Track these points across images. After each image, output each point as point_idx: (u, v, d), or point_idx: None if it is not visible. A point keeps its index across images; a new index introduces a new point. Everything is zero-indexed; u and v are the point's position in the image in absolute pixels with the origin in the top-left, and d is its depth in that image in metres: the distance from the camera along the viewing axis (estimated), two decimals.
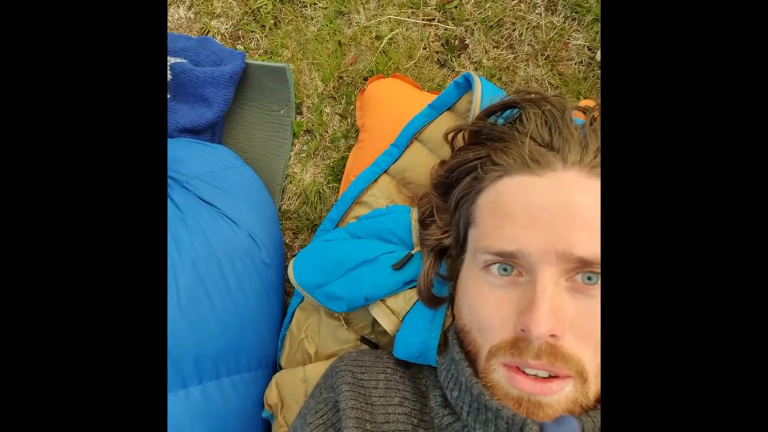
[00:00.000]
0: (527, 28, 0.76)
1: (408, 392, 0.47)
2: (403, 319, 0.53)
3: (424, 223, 0.54)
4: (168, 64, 0.76)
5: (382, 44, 0.80)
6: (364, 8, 0.82)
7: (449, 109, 0.62)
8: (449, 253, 0.51)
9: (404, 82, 0.73)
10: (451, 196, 0.50)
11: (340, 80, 0.81)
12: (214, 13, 0.89)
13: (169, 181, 0.67)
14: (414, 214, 0.55)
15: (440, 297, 0.50)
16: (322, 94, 0.81)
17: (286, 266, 0.76)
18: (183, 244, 0.60)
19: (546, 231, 0.39)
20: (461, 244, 0.48)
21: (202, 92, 0.76)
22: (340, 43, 0.81)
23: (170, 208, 0.63)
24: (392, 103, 0.69)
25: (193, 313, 0.57)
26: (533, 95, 0.47)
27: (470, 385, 0.41)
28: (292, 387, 0.61)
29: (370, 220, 0.57)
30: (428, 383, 0.49)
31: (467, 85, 0.60)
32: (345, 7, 0.83)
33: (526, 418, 0.38)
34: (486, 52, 0.78)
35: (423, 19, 0.80)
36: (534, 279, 0.39)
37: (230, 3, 0.88)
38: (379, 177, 0.63)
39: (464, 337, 0.45)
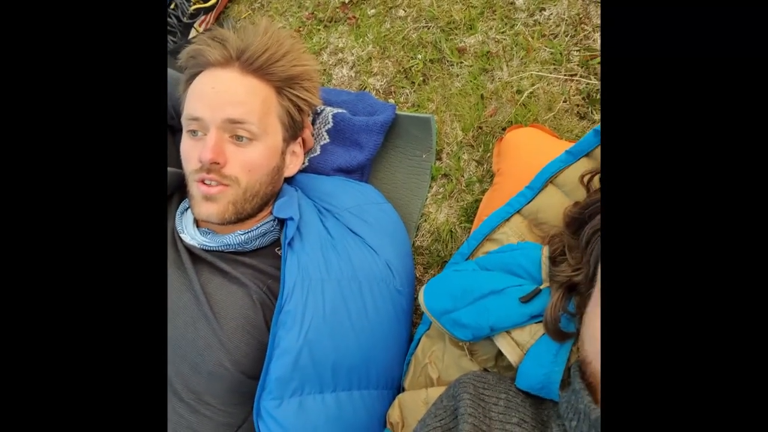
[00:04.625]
0: None
1: (528, 416, 0.48)
2: (527, 351, 0.54)
3: (554, 261, 0.55)
4: (330, 114, 0.89)
5: (523, 97, 0.84)
6: (507, 66, 0.89)
7: (586, 155, 0.64)
8: (578, 290, 0.51)
9: (542, 131, 0.76)
10: (582, 234, 0.51)
11: (480, 130, 0.87)
12: (371, 72, 1.02)
13: (323, 211, 0.78)
14: (545, 251, 0.57)
15: (567, 332, 0.51)
16: (461, 142, 0.88)
17: (416, 297, 0.81)
18: (331, 264, 0.69)
19: None
20: (591, 279, 0.49)
21: (357, 138, 0.87)
22: (482, 97, 0.88)
23: (323, 233, 0.73)
24: (529, 150, 0.72)
25: (335, 324, 0.65)
26: None
27: (588, 411, 0.42)
28: (414, 407, 0.64)
29: (500, 254, 0.60)
30: (550, 414, 0.49)
31: None
32: (489, 65, 0.90)
33: None
34: None
35: (565, 75, 0.84)
36: None
37: (386, 63, 1.01)
38: (511, 216, 0.66)
39: (586, 368, 0.45)
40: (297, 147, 0.81)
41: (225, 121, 0.69)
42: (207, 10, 1.22)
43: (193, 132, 0.71)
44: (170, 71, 0.92)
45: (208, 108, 0.69)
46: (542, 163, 0.67)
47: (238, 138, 0.70)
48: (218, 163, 0.68)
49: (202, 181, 0.69)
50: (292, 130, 0.78)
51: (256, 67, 0.72)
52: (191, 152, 0.70)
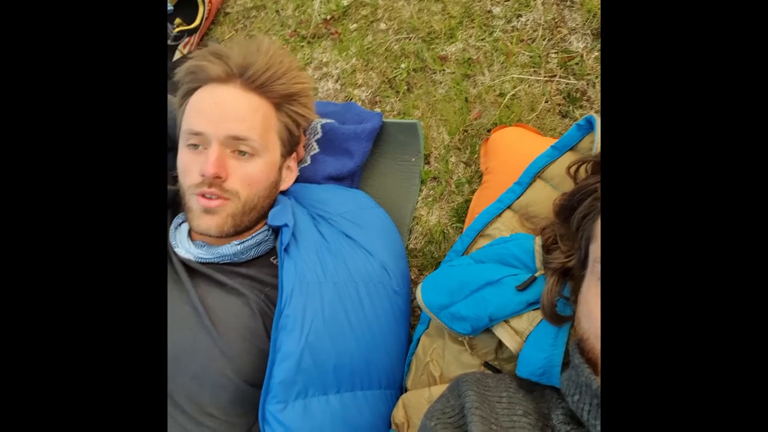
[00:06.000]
0: None
1: (531, 409, 0.49)
2: (526, 338, 0.55)
3: (547, 249, 0.57)
4: (319, 124, 0.90)
5: (506, 100, 0.87)
6: (488, 71, 0.91)
7: (571, 149, 0.66)
8: (572, 274, 0.53)
9: (526, 130, 0.78)
10: (572, 219, 0.53)
11: (465, 133, 0.89)
12: (356, 84, 1.04)
13: (317, 217, 0.79)
14: (538, 240, 0.59)
15: (564, 315, 0.52)
16: (448, 145, 0.90)
17: (413, 298, 0.82)
18: (327, 267, 0.69)
19: None
20: (582, 262, 0.50)
21: (346, 146, 0.88)
22: (466, 100, 0.90)
23: (318, 238, 0.73)
24: (515, 148, 0.75)
25: (334, 326, 0.65)
26: None
27: (590, 382, 0.43)
28: (419, 407, 0.65)
29: (494, 247, 0.62)
30: (551, 405, 0.50)
31: (589, 127, 0.64)
32: (471, 70, 0.93)
33: None
34: None
35: (545, 76, 0.87)
36: None
37: (370, 75, 1.04)
38: (502, 212, 0.67)
39: (584, 345, 0.46)
40: (292, 162, 0.83)
41: (228, 137, 0.70)
42: (191, 32, 1.24)
43: (194, 146, 0.72)
44: None
45: (211, 123, 0.70)
46: (529, 160, 0.69)
47: (240, 153, 0.71)
48: (220, 177, 0.69)
49: (202, 195, 0.70)
50: (290, 146, 0.80)
51: (258, 84, 0.73)
52: (191, 165, 0.71)
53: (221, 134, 0.69)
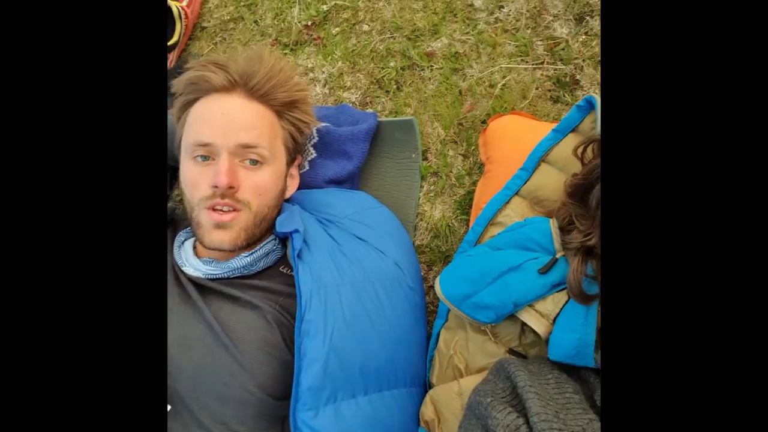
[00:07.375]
0: None
1: (577, 388, 0.49)
2: (554, 321, 0.55)
3: (564, 230, 0.58)
4: (314, 128, 0.90)
5: (497, 90, 0.88)
6: (476, 63, 0.92)
7: (573, 130, 0.67)
8: (594, 253, 0.54)
9: (523, 117, 0.79)
10: (591, 198, 0.54)
11: (460, 126, 0.90)
12: (345, 87, 1.04)
13: (324, 221, 0.78)
14: (554, 222, 0.59)
15: (591, 294, 0.52)
16: (444, 140, 0.90)
17: (427, 293, 0.82)
18: (343, 269, 0.69)
19: None
20: None
21: (344, 148, 0.88)
22: (460, 93, 0.91)
23: (329, 241, 0.73)
24: (514, 135, 0.75)
25: (357, 327, 0.64)
26: None
27: None
28: (448, 401, 0.64)
29: (510, 233, 0.62)
30: (593, 387, 0.51)
31: (589, 107, 0.65)
32: (459, 64, 0.93)
33: None
34: (599, 83, 0.83)
35: (533, 64, 0.88)
36: None
37: (358, 76, 1.03)
38: (511, 198, 0.68)
39: None
40: (294, 170, 0.83)
41: (238, 146, 0.69)
42: (170, 49, 1.22)
43: (202, 157, 0.70)
44: None
45: (220, 133, 0.68)
46: (530, 146, 0.70)
47: (251, 162, 0.70)
48: (233, 188, 0.68)
49: (213, 208, 0.69)
50: (294, 153, 0.80)
51: (262, 93, 0.72)
52: (199, 178, 0.69)
53: (231, 143, 0.68)
